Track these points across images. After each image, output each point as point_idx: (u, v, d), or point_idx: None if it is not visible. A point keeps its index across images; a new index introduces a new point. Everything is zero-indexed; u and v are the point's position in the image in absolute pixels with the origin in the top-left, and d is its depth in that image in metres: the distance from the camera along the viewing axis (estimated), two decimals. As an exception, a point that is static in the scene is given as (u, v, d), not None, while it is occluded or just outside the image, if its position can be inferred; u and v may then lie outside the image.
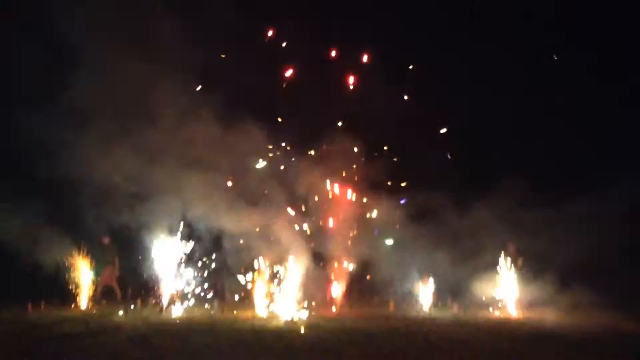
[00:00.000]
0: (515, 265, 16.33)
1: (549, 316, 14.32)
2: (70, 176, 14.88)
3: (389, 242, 17.90)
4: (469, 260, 17.00)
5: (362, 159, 17.63)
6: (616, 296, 14.86)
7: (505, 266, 16.35)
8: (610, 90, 18.31)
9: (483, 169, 18.17)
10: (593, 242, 15.40)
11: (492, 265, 16.55)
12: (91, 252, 16.38)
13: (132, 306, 15.50)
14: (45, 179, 15.13)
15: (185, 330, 11.63)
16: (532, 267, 16.30)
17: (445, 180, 17.71)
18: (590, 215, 15.89)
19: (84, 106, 14.72)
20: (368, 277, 18.83)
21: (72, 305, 15.61)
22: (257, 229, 15.83)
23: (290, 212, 16.23)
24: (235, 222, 15.72)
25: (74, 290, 15.89)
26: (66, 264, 15.89)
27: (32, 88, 14.81)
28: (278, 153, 16.82)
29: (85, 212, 15.81)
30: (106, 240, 16.69)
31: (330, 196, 17.30)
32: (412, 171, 18.32)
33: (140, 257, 16.46)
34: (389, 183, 17.93)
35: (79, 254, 16.09)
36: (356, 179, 17.65)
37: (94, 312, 14.96)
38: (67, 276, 15.89)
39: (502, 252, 16.45)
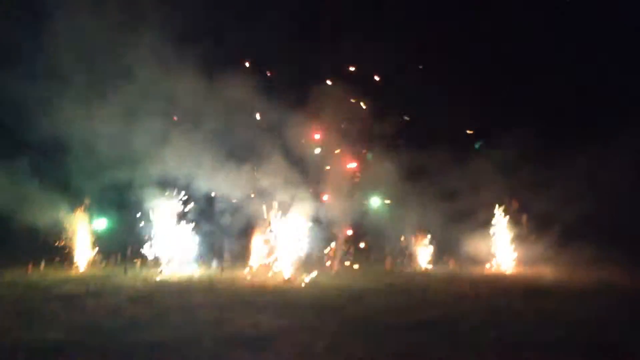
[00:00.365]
0: (515, 222, 16.41)
1: (547, 272, 14.51)
2: (65, 138, 14.59)
3: (375, 202, 17.81)
4: (466, 216, 17.06)
5: (362, 114, 17.15)
6: (616, 252, 14.97)
7: (502, 223, 16.42)
8: (613, 44, 17.88)
9: (482, 122, 17.90)
10: (594, 199, 15.38)
11: (489, 222, 16.64)
12: (89, 213, 16.33)
13: (130, 266, 15.57)
14: (40, 141, 14.89)
15: (185, 289, 11.74)
16: (532, 224, 16.39)
17: (444, 134, 17.41)
18: (591, 172, 15.78)
19: (70, 66, 14.25)
20: (365, 235, 18.93)
21: (72, 267, 15.68)
22: (255, 190, 15.71)
23: (288, 170, 15.93)
24: (233, 183, 15.60)
25: (72, 252, 15.91)
26: (63, 226, 15.86)
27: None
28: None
29: (79, 174, 15.61)
30: (86, 202, 16.30)
31: (328, 154, 16.93)
32: (411, 124, 17.89)
33: (138, 218, 16.44)
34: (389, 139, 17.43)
35: (75, 215, 16.01)
36: (353, 132, 17.14)
37: (89, 271, 15.13)
38: (64, 238, 15.89)
39: (499, 208, 16.49)
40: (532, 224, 16.39)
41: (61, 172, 15.51)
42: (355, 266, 16.77)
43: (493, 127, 17.76)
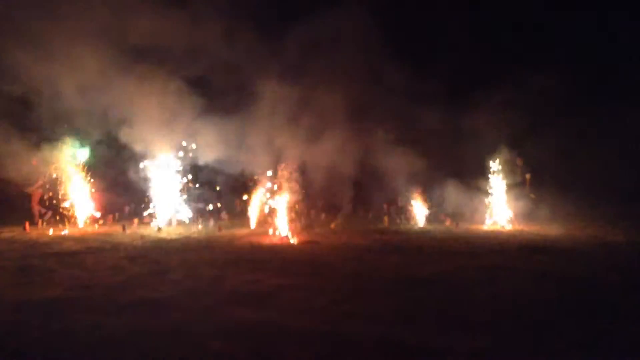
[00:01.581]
0: (517, 180, 16.36)
1: (545, 230, 14.61)
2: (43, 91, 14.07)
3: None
4: (464, 173, 16.99)
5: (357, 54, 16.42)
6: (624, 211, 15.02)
7: (503, 180, 16.37)
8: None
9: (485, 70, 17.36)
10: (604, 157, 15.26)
11: (488, 179, 16.61)
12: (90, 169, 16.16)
13: (128, 224, 15.56)
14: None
15: (183, 248, 11.79)
16: (537, 182, 16.35)
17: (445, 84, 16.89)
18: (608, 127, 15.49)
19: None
20: (362, 191, 18.90)
21: (70, 224, 15.66)
22: (249, 146, 15.44)
23: (284, 119, 15.37)
24: (227, 139, 15.31)
25: (69, 210, 15.85)
26: (58, 183, 15.72)
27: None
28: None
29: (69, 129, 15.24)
30: (33, 161, 15.26)
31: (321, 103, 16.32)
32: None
33: (134, 176, 16.31)
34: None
35: (74, 171, 15.84)
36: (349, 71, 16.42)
37: (88, 229, 15.14)
38: (60, 195, 15.79)
39: (500, 166, 16.39)
40: (536, 181, 16.37)
41: (48, 127, 15.09)
42: (353, 224, 16.80)
43: (498, 76, 17.16)
